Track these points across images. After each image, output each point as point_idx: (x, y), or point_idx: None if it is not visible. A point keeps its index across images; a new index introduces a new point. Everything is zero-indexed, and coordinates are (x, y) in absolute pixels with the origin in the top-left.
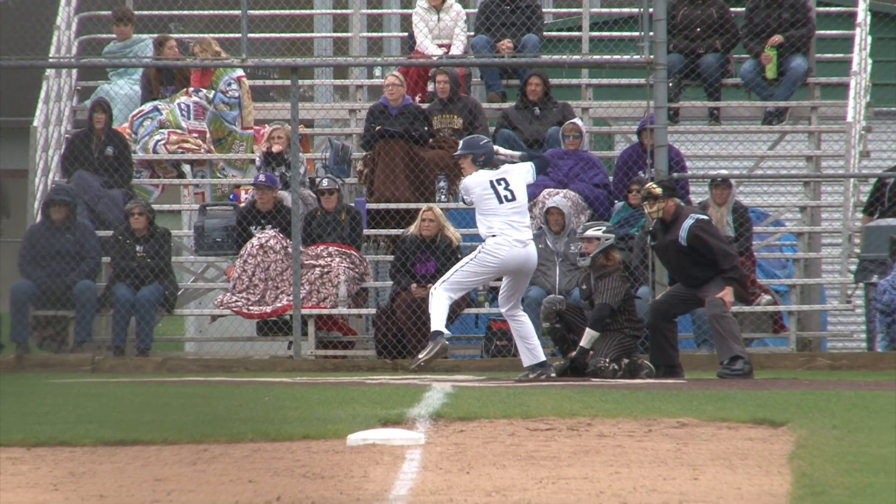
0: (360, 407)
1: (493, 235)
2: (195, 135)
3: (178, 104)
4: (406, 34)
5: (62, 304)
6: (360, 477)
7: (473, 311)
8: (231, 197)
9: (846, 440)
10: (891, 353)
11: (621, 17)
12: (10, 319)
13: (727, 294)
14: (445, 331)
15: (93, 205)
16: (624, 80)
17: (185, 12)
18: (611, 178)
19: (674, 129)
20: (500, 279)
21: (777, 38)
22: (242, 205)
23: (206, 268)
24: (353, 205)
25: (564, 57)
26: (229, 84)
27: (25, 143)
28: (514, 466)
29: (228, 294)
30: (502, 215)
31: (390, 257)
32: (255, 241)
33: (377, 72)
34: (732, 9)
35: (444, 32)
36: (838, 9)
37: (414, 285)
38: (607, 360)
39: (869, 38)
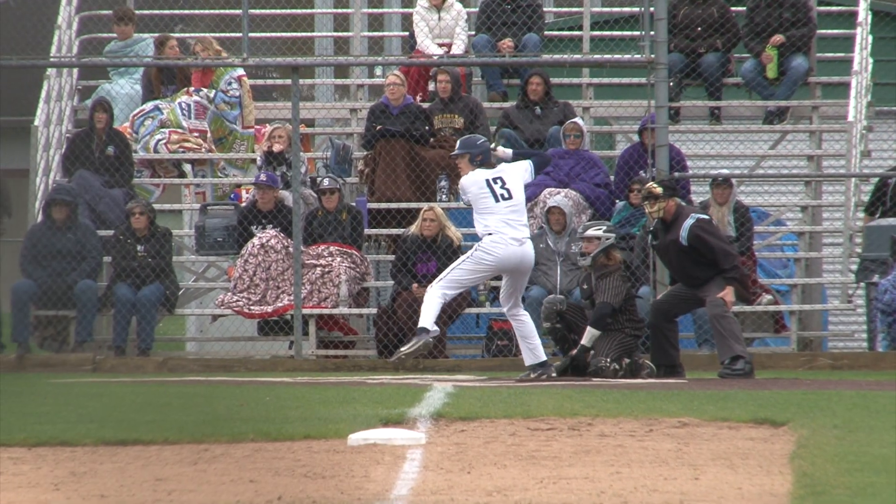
0: (361, 407)
1: (490, 234)
2: (196, 134)
3: (179, 103)
4: (407, 33)
5: (63, 304)
6: (362, 477)
7: (474, 310)
8: (232, 196)
9: (847, 440)
10: (892, 353)
11: (622, 16)
12: (11, 319)
13: (728, 294)
14: (433, 328)
15: (94, 204)
16: (625, 80)
17: (186, 11)
18: (612, 178)
19: (675, 129)
20: (500, 278)
21: (778, 38)
22: (243, 204)
23: (207, 267)
24: (354, 204)
25: (565, 56)
26: (230, 83)
27: (26, 142)
28: (515, 466)
29: (229, 294)
30: (499, 214)
31: (391, 257)
32: (256, 240)
33: (378, 71)
34: (733, 8)
35: (444, 32)
36: (839, 8)
37: (415, 285)
38: (608, 359)
39: (870, 38)
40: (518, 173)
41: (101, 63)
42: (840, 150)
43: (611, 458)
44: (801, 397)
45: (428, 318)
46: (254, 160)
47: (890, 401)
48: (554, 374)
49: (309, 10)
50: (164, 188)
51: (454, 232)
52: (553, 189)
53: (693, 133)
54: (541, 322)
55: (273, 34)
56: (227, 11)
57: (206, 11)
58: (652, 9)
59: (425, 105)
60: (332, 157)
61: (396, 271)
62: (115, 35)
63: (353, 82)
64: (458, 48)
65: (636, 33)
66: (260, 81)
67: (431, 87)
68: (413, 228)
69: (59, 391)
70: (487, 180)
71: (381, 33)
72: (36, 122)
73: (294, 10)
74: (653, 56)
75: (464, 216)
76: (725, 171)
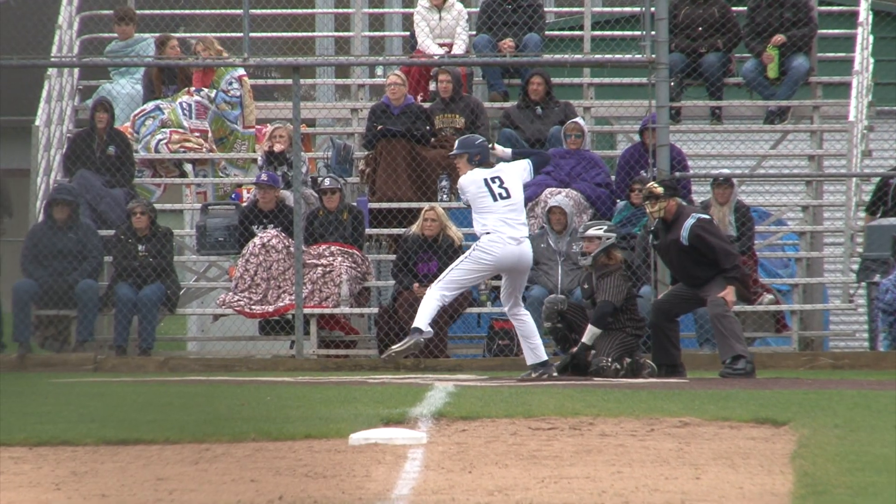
0: (362, 406)
1: (488, 233)
2: (197, 134)
3: (180, 103)
4: (408, 33)
5: (64, 304)
6: (363, 476)
7: (475, 310)
8: (233, 196)
9: (848, 439)
10: (893, 353)
11: (623, 16)
12: (12, 319)
13: (729, 293)
14: (427, 329)
15: (95, 204)
16: (626, 80)
17: (187, 11)
18: (613, 178)
19: (676, 129)
20: (500, 277)
21: (779, 38)
22: (244, 204)
23: (209, 267)
24: (355, 204)
25: (566, 56)
26: (231, 83)
27: (27, 142)
28: (516, 466)
29: (230, 293)
30: (497, 213)
31: (392, 257)
32: (257, 240)
33: (379, 71)
34: (734, 8)
35: (445, 32)
36: (840, 8)
37: (416, 285)
38: (609, 359)
39: (871, 38)
40: (517, 172)
41: (101, 63)
42: (841, 150)
43: (612, 458)
44: (803, 397)
45: (423, 318)
46: (255, 160)
47: (891, 400)
48: (555, 374)
49: (310, 10)
50: (165, 188)
51: (455, 232)
52: (554, 189)
53: (694, 133)
54: (542, 322)
55: (274, 34)
56: (228, 11)
57: (207, 11)
58: (653, 9)
59: (426, 105)
60: (333, 157)
61: (397, 271)
62: (115, 35)
63: (354, 82)
64: (458, 48)
65: (637, 33)
66: (261, 81)
67: (432, 86)
68: (414, 228)
69: (61, 391)
70: (485, 179)
71: (381, 33)
72: (37, 122)
73: (295, 10)
74: (654, 56)
75: (465, 216)
76: (726, 171)
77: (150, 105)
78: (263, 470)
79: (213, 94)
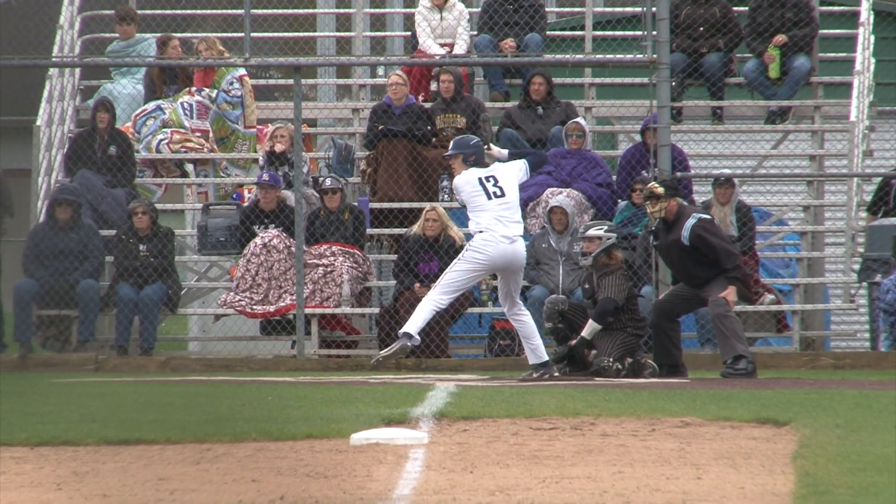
0: (363, 406)
1: (481, 231)
2: (198, 134)
3: (181, 103)
4: (409, 33)
5: (65, 304)
6: (364, 476)
7: (477, 310)
8: (234, 196)
9: (849, 439)
10: (894, 353)
11: (624, 16)
12: (13, 319)
13: (730, 293)
14: (416, 336)
15: (96, 204)
16: (627, 80)
17: (188, 11)
18: (614, 178)
19: (677, 129)
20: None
21: (780, 38)
22: (246, 204)
23: (210, 267)
24: (356, 204)
25: (567, 56)
26: (232, 83)
27: (28, 142)
28: (517, 466)
29: (232, 293)
30: (491, 211)
31: (393, 257)
32: (258, 240)
33: (380, 71)
34: (735, 8)
35: (446, 32)
36: (841, 8)
37: (417, 285)
38: (611, 359)
39: (872, 38)
40: (512, 172)
41: (103, 63)
42: (842, 150)
43: (613, 458)
44: (804, 397)
45: (415, 324)
46: (256, 160)
47: (892, 400)
48: (556, 374)
49: (311, 10)
50: (167, 188)
51: (456, 232)
52: (555, 189)
53: (695, 133)
54: (542, 322)
55: (275, 34)
56: (229, 11)
57: (208, 11)
58: (654, 9)
59: (427, 105)
60: (334, 157)
61: (398, 271)
62: (117, 35)
63: (356, 82)
64: (460, 48)
65: (638, 33)
66: (262, 81)
67: (433, 86)
68: (415, 228)
69: (62, 391)
70: (480, 178)
71: (383, 33)
72: (38, 122)
73: (296, 11)
74: (655, 56)
75: (466, 216)
76: (728, 171)
77: (152, 105)
78: (265, 470)
79: (214, 94)
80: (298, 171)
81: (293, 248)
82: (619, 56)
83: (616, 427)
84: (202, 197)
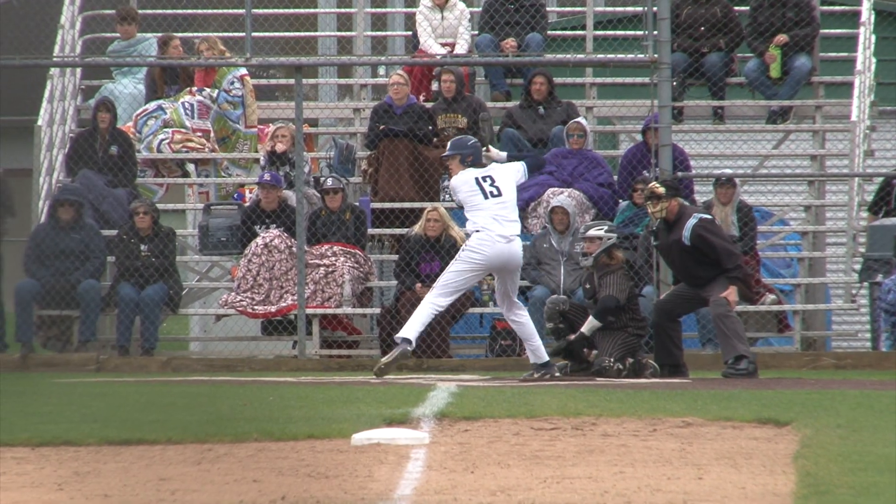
0: (364, 406)
1: (478, 231)
2: (199, 134)
3: (182, 103)
4: (410, 33)
5: (67, 304)
6: (365, 476)
7: (478, 310)
8: (235, 196)
9: (851, 439)
10: (895, 353)
11: (625, 15)
12: (14, 319)
13: (731, 293)
14: (414, 341)
15: (97, 204)
16: (628, 79)
17: (189, 11)
18: (615, 178)
19: (678, 129)
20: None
21: (781, 38)
22: (247, 204)
23: (211, 267)
24: (357, 204)
25: (568, 56)
26: (233, 83)
27: (30, 142)
28: (518, 466)
29: (233, 293)
30: (487, 210)
31: (395, 257)
32: (259, 240)
33: (381, 71)
34: (736, 8)
35: (447, 31)
36: (842, 8)
37: (418, 285)
38: (612, 359)
39: (873, 37)
40: (509, 173)
41: (104, 63)
42: (843, 150)
43: (614, 458)
44: (805, 397)
45: (413, 329)
46: (257, 160)
47: (893, 400)
48: (557, 374)
49: (312, 10)
50: (168, 188)
51: (458, 232)
52: (556, 189)
53: (696, 133)
54: (544, 322)
55: (276, 34)
56: (231, 11)
57: (209, 11)
58: (655, 8)
59: (429, 105)
60: (335, 157)
61: (400, 271)
62: (118, 35)
63: (357, 82)
64: (461, 48)
65: (639, 33)
66: (263, 81)
67: (435, 86)
68: (416, 228)
69: (63, 391)
70: (476, 178)
71: (384, 33)
72: (39, 122)
73: (297, 10)
74: (656, 56)
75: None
76: (729, 171)
77: (153, 105)
78: (266, 470)
79: (215, 94)
80: (300, 170)
81: (294, 249)
82: (620, 56)
83: (617, 427)
84: (203, 197)
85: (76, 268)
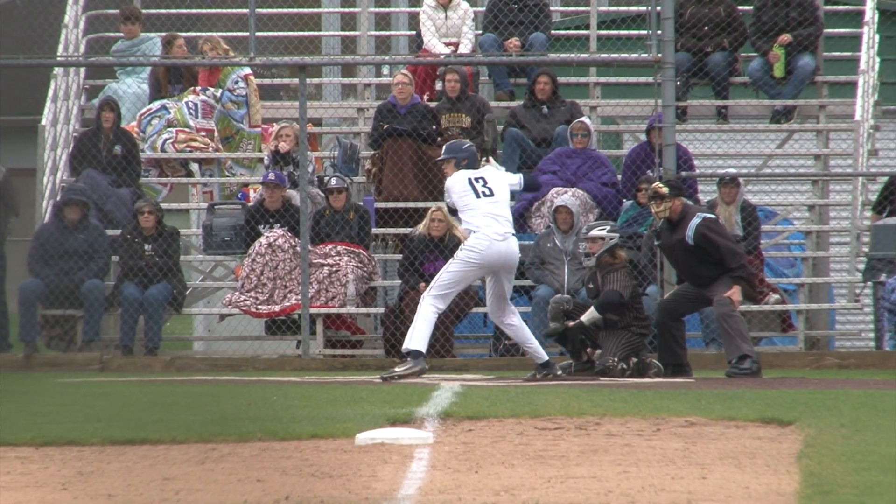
0: (368, 406)
1: (474, 231)
2: (203, 133)
3: (186, 103)
4: (414, 33)
5: (70, 303)
6: (369, 476)
7: (481, 310)
8: (239, 196)
9: (854, 439)
10: None
11: (629, 15)
12: (18, 319)
13: (735, 293)
14: (425, 354)
15: (101, 204)
16: (632, 79)
17: (193, 11)
18: (619, 177)
19: (682, 128)
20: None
21: (785, 37)
22: (251, 204)
23: (215, 267)
24: (361, 204)
25: (572, 55)
26: (236, 82)
27: (33, 141)
28: (522, 465)
29: (237, 293)
30: (480, 209)
31: (399, 256)
32: (263, 239)
33: (385, 70)
34: (740, 7)
35: (451, 31)
36: (846, 7)
37: (422, 284)
38: (615, 359)
39: (877, 37)
40: (503, 177)
41: (107, 62)
42: (847, 150)
43: (618, 458)
44: (809, 396)
45: (421, 339)
46: (261, 159)
47: None
48: (559, 373)
49: (316, 10)
50: (172, 187)
51: (462, 232)
52: (560, 188)
53: (700, 132)
54: (548, 321)
55: (280, 33)
56: (234, 11)
57: (213, 11)
58: (659, 8)
59: (433, 104)
60: (339, 157)
61: (404, 270)
62: (121, 34)
63: (361, 81)
64: (464, 47)
65: (643, 32)
66: (267, 81)
67: (438, 86)
68: (420, 228)
69: (67, 390)
70: (469, 179)
71: (388, 32)
72: (43, 122)
73: (301, 10)
74: (660, 55)
75: None
76: (732, 171)
77: (157, 104)
78: (270, 470)
79: (219, 94)
80: (303, 170)
81: (298, 248)
82: (623, 55)
83: (621, 427)
84: (207, 196)
85: (80, 267)
